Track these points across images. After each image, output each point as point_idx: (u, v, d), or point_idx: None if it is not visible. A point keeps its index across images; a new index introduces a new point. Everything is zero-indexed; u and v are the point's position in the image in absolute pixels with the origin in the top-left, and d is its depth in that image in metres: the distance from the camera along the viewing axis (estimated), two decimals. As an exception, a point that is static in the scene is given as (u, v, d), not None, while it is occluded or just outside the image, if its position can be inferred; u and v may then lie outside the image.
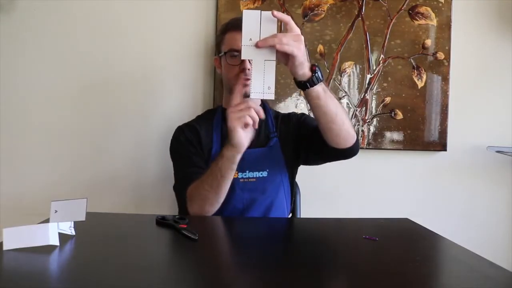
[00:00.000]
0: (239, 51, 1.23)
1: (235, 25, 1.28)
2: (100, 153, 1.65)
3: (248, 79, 1.24)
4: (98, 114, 1.65)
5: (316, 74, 1.01)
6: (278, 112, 1.44)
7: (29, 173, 1.64)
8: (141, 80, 1.65)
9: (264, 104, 1.41)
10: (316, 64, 1.04)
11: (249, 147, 1.26)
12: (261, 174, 1.28)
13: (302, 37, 0.97)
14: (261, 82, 0.96)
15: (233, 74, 1.27)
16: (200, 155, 1.29)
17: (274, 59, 0.95)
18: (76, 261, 0.77)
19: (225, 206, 1.19)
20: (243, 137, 1.05)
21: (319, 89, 1.03)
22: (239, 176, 1.25)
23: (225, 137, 1.31)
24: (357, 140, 1.18)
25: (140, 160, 1.66)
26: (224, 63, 1.30)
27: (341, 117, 1.09)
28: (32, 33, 1.61)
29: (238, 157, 1.09)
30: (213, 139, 1.32)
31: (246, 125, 1.04)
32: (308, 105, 1.11)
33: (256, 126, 1.04)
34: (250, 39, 0.94)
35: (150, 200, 1.66)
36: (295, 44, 0.95)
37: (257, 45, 0.94)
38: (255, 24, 0.93)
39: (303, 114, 1.41)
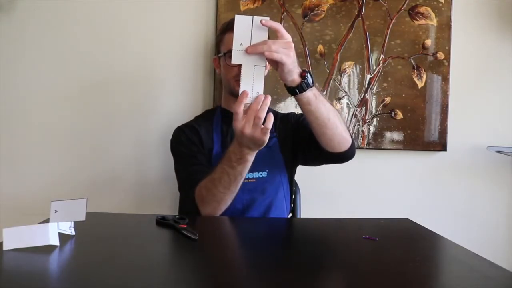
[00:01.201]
0: None
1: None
2: (100, 153, 1.65)
3: None
4: (98, 114, 1.65)
5: (306, 80, 1.00)
6: (277, 112, 1.44)
7: (29, 173, 1.64)
8: (141, 80, 1.65)
9: None
10: (307, 69, 1.03)
11: None
12: (261, 174, 1.28)
13: (293, 44, 0.97)
14: (250, 87, 0.96)
15: (232, 75, 1.27)
16: (203, 153, 1.29)
17: (264, 65, 0.95)
18: (76, 261, 0.77)
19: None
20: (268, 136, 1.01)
21: (310, 94, 1.02)
22: None
23: (225, 138, 1.31)
24: (353, 144, 1.18)
25: (140, 160, 1.66)
26: (223, 63, 1.30)
27: (333, 121, 1.09)
28: (32, 33, 1.61)
29: (254, 156, 1.06)
30: (214, 140, 1.31)
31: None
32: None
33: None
34: (241, 44, 0.93)
35: (150, 200, 1.66)
36: (285, 51, 0.95)
37: (246, 51, 0.93)
38: (247, 29, 0.93)
39: (302, 114, 1.41)
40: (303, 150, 1.31)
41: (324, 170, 1.43)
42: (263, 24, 0.93)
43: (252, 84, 0.96)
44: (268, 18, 0.95)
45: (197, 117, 1.43)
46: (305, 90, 1.01)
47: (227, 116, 1.35)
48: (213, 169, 1.12)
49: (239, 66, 1.23)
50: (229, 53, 1.26)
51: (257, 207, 1.26)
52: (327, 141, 1.13)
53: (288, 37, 0.97)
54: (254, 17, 0.93)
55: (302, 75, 1.00)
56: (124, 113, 1.65)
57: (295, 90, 1.01)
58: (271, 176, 1.28)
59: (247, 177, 1.25)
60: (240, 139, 1.01)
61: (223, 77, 1.34)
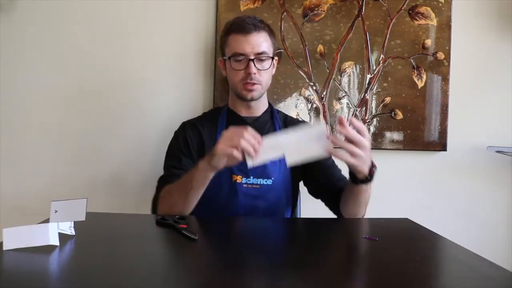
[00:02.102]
0: (243, 55, 1.25)
1: (239, 26, 1.26)
2: (100, 153, 1.65)
3: (254, 84, 1.26)
4: (98, 114, 1.65)
5: (370, 177, 1.08)
6: (286, 116, 1.43)
7: (29, 173, 1.64)
8: (141, 80, 1.65)
9: (271, 107, 1.39)
10: (375, 166, 1.08)
11: None
12: (266, 181, 1.27)
13: (367, 147, 1.01)
14: (259, 161, 1.01)
15: (239, 78, 1.27)
16: (193, 159, 1.29)
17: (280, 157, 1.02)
18: (76, 261, 0.77)
19: (226, 211, 1.20)
20: (223, 162, 1.05)
21: (364, 187, 1.11)
22: (242, 181, 1.25)
23: None
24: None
25: (140, 160, 1.66)
26: (229, 66, 1.29)
27: (364, 206, 1.19)
28: (32, 33, 1.61)
29: (211, 175, 1.10)
30: (216, 141, 1.30)
31: (231, 156, 1.02)
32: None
33: (242, 159, 1.02)
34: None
35: (150, 200, 1.65)
36: (361, 157, 1.00)
37: (330, 139, 1.01)
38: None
39: None
40: (308, 182, 1.37)
41: (324, 170, 1.42)
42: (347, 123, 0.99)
43: (262, 160, 1.02)
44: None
45: (204, 114, 1.44)
46: (364, 183, 1.09)
47: (233, 117, 1.34)
48: (179, 180, 1.17)
49: (244, 70, 1.25)
50: (234, 56, 1.26)
51: (259, 213, 1.26)
52: (344, 211, 1.22)
53: (364, 139, 1.01)
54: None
55: (370, 173, 1.07)
56: (124, 113, 1.65)
57: (356, 180, 1.08)
58: (276, 184, 1.27)
59: (251, 182, 1.25)
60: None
61: (229, 79, 1.33)
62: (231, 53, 1.27)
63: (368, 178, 1.07)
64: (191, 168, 1.24)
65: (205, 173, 1.09)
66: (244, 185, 1.25)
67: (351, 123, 0.98)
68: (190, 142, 1.31)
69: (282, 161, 1.29)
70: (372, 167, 1.07)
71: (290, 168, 1.32)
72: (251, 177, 1.26)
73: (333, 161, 1.34)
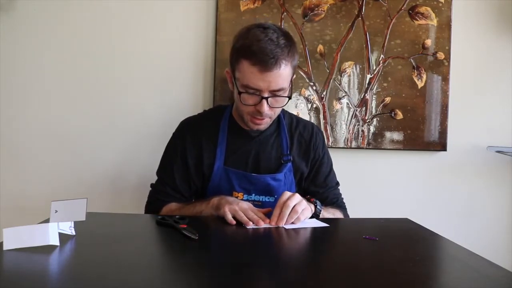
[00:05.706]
0: (256, 89, 1.12)
1: (258, 58, 1.09)
2: (100, 153, 1.65)
3: (263, 119, 1.18)
4: (98, 114, 1.65)
5: (317, 211, 1.14)
6: (292, 120, 1.34)
7: (29, 173, 1.64)
8: (141, 80, 1.65)
9: (280, 116, 1.29)
10: (312, 201, 1.14)
11: (257, 173, 1.25)
12: (268, 199, 1.25)
13: (295, 197, 1.05)
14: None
15: (247, 111, 1.17)
16: (188, 169, 1.26)
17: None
18: (76, 261, 0.77)
19: None
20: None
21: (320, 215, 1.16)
22: (244, 198, 1.22)
23: (230, 151, 1.26)
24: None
25: (140, 160, 1.66)
26: (237, 96, 1.16)
27: (336, 217, 1.25)
28: (32, 33, 1.61)
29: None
30: (216, 155, 1.24)
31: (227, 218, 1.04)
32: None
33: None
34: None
35: (150, 200, 1.66)
36: (303, 210, 1.04)
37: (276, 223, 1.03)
38: None
39: (321, 159, 1.34)
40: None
41: (324, 170, 1.42)
42: None
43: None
44: None
45: (205, 113, 1.36)
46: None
47: (236, 130, 1.28)
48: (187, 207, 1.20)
49: (255, 106, 1.14)
50: (246, 90, 1.13)
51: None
52: None
53: (289, 202, 1.04)
54: None
55: (311, 200, 1.13)
56: (124, 113, 1.65)
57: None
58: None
59: (252, 199, 1.24)
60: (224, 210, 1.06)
61: (236, 103, 1.23)
62: (242, 83, 1.13)
63: (317, 214, 1.13)
64: (180, 186, 1.26)
65: (213, 211, 1.11)
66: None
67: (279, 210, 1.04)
68: (188, 153, 1.26)
69: (288, 176, 1.28)
70: (312, 204, 1.12)
71: (296, 184, 1.30)
72: (253, 194, 1.24)
73: (333, 183, 1.37)
